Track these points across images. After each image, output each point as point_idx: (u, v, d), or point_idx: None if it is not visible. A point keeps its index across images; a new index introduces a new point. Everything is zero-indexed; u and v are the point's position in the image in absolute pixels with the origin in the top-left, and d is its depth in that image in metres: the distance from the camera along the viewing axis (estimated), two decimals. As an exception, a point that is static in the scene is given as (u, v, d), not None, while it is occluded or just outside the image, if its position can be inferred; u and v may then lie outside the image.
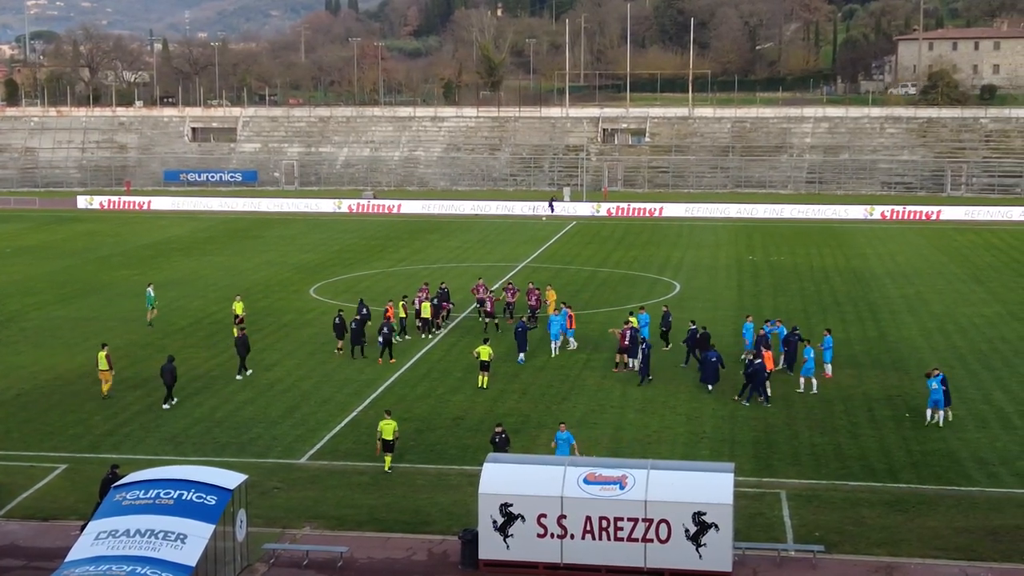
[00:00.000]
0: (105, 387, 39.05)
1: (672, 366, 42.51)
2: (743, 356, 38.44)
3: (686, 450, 33.21)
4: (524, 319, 45.68)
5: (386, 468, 31.08)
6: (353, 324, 44.27)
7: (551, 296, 49.91)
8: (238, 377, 41.47)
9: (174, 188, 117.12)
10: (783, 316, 51.59)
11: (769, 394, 38.43)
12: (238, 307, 48.39)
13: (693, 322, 43.91)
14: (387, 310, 46.28)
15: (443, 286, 51.45)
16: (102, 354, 39.22)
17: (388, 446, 31.04)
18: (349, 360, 43.92)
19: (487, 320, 48.55)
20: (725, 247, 76.02)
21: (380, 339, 44.02)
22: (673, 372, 41.82)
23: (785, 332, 42.40)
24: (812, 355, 39.64)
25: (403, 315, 46.69)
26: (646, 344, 40.75)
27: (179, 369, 39.46)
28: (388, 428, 31.04)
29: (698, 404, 37.75)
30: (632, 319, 44.39)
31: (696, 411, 37.09)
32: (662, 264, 68.42)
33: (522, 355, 43.53)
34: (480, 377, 39.91)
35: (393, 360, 43.58)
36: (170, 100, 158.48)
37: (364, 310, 46.75)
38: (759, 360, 38.08)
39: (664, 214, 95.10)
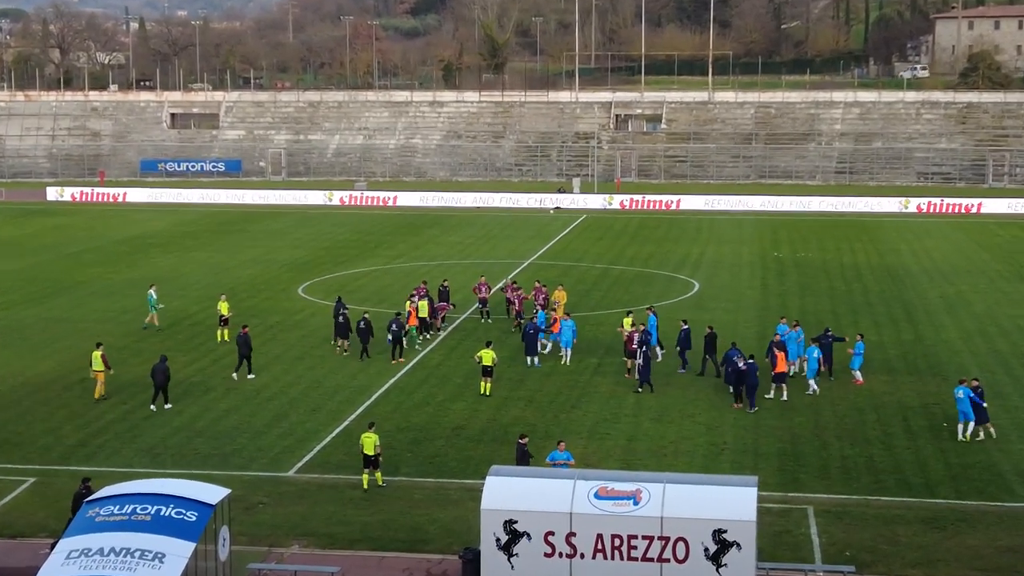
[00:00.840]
0: (99, 389, 39.26)
1: (689, 371, 42.45)
2: (735, 358, 38.42)
3: (705, 462, 33.22)
4: (534, 320, 45.70)
5: (365, 486, 30.94)
6: (361, 323, 44.63)
7: (561, 297, 49.79)
8: (249, 376, 41.98)
9: (151, 179, 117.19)
10: (812, 317, 51.55)
11: (784, 396, 38.71)
12: (223, 307, 48.47)
13: (685, 322, 43.93)
14: (410, 313, 46.49)
15: (444, 284, 51.53)
16: (97, 353, 39.40)
17: (370, 461, 30.97)
18: (342, 364, 43.97)
19: (519, 320, 48.57)
20: (748, 243, 75.97)
21: (390, 337, 44.25)
22: (691, 378, 41.82)
23: (802, 335, 42.17)
24: (815, 355, 39.89)
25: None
26: (646, 348, 40.68)
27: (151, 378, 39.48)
28: (369, 442, 30.91)
29: (718, 413, 37.75)
30: (627, 320, 44.42)
31: (716, 420, 37.07)
32: (679, 261, 68.40)
33: (536, 359, 43.58)
34: (482, 383, 39.94)
35: (402, 359, 44.14)
36: (147, 84, 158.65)
37: (343, 309, 47.08)
38: (752, 361, 38.11)
39: (682, 207, 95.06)
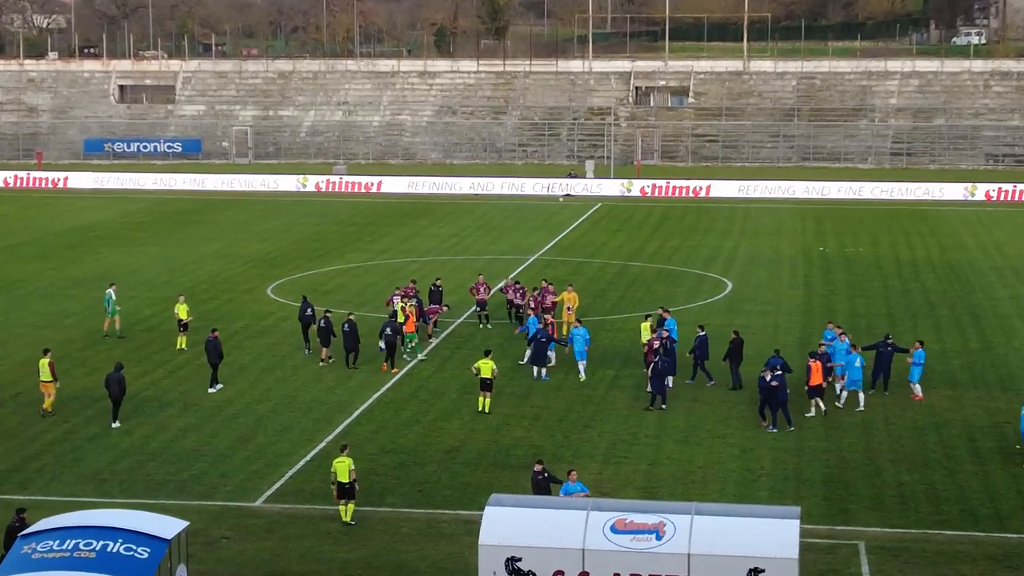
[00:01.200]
0: (48, 402, 39.49)
1: (721, 384, 42.46)
2: (763, 372, 38.32)
3: (739, 490, 33.24)
4: (543, 325, 45.59)
5: (345, 519, 30.81)
6: (345, 326, 44.90)
7: (571, 299, 49.62)
8: (210, 390, 42.29)
9: (97, 161, 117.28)
10: (863, 321, 51.64)
11: (825, 410, 38.90)
12: (182, 310, 48.43)
13: (701, 327, 43.90)
14: (408, 317, 46.47)
15: (436, 284, 51.48)
16: (44, 361, 39.62)
17: (345, 491, 30.81)
18: (317, 377, 44.00)
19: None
20: (789, 235, 75.99)
21: (382, 344, 44.53)
22: (723, 393, 41.80)
23: (847, 345, 41.83)
24: (857, 363, 39.96)
25: (401, 319, 46.68)
26: (660, 359, 40.62)
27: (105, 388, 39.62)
28: (343, 468, 30.68)
29: (753, 433, 37.76)
30: (645, 325, 44.33)
31: (751, 441, 37.08)
32: (709, 256, 68.42)
33: (544, 371, 43.65)
34: (481, 399, 39.97)
35: (395, 370, 44.38)
36: (92, 51, 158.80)
37: (309, 310, 47.35)
38: (779, 373, 38.08)
39: (712, 194, 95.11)
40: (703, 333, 43.44)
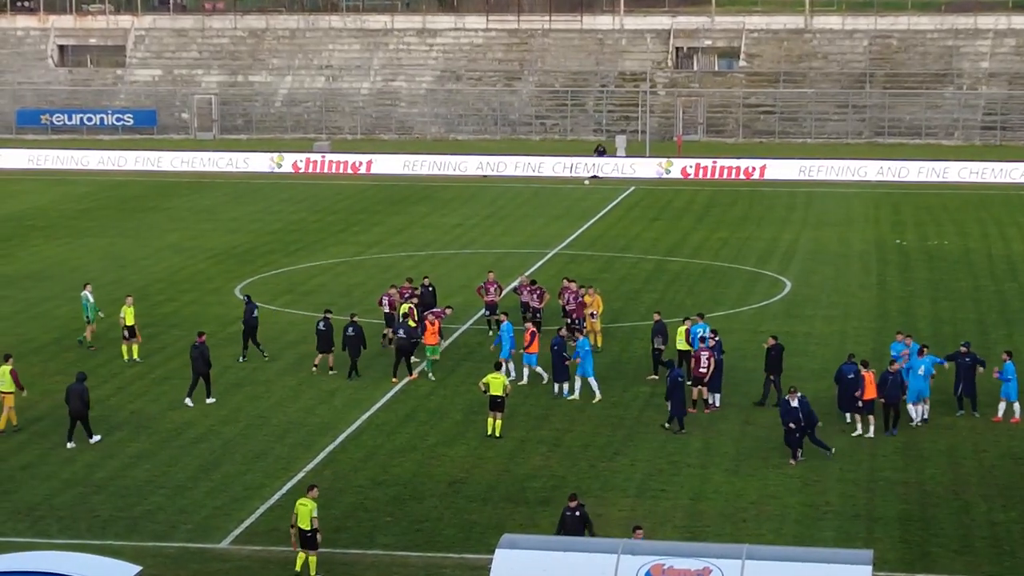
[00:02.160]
0: (5, 417, 39.87)
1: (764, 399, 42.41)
2: (788, 395, 38.16)
3: (799, 530, 33.23)
4: (562, 333, 45.62)
5: (298, 568, 30.50)
6: (350, 330, 45.37)
7: (595, 303, 49.55)
8: (209, 400, 42.93)
9: (32, 136, 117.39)
10: (948, 328, 51.53)
11: (870, 432, 39.12)
12: (129, 314, 48.45)
13: (715, 332, 43.86)
14: (427, 326, 46.57)
15: (426, 283, 51.26)
16: (6, 368, 39.96)
17: (307, 540, 30.56)
18: (294, 394, 44.02)
19: (575, 328, 48.42)
20: (860, 225, 75.80)
21: (391, 344, 44.92)
22: (776, 415, 41.64)
23: (914, 352, 41.67)
24: (923, 371, 40.12)
25: (413, 323, 46.72)
26: (674, 370, 40.88)
27: (41, 405, 39.60)
28: (304, 512, 30.46)
29: (817, 461, 37.68)
30: (684, 330, 44.37)
31: (814, 472, 37.02)
32: (764, 251, 68.28)
33: (565, 385, 43.71)
34: (490, 420, 39.99)
35: (398, 377, 44.98)
36: (26, 4, 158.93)
37: (255, 311, 48.03)
38: (801, 395, 37.95)
39: (768, 175, 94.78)
40: (717, 339, 43.40)
